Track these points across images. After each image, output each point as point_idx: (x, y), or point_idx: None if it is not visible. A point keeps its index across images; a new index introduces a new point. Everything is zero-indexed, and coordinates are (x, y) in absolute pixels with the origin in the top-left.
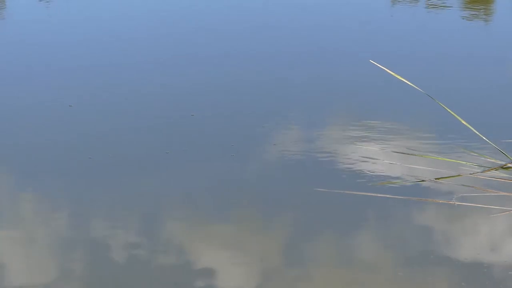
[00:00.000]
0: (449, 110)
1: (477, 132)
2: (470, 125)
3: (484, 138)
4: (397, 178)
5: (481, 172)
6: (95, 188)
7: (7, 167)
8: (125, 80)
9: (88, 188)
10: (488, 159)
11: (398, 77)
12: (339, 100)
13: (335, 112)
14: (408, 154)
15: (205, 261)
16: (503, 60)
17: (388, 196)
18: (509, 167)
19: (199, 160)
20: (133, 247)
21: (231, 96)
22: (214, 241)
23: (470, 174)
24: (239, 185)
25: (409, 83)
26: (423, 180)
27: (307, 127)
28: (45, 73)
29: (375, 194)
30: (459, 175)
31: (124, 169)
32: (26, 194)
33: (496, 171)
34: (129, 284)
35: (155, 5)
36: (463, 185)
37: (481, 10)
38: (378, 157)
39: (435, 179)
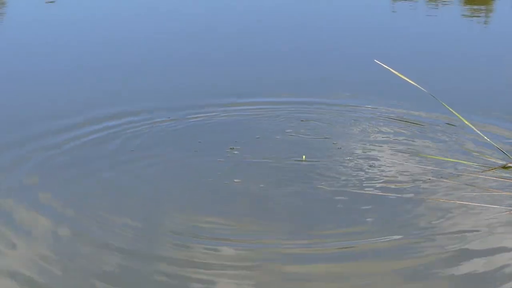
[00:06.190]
0: (450, 109)
1: (478, 132)
2: (471, 124)
3: (485, 137)
4: (398, 177)
5: (481, 172)
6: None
7: None
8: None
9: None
10: (488, 159)
11: (401, 76)
12: (339, 99)
13: (335, 111)
14: (408, 153)
15: None
16: (505, 59)
17: (388, 194)
18: (509, 167)
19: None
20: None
21: (230, 96)
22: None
23: (470, 174)
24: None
25: (411, 82)
26: (423, 179)
27: (306, 126)
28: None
29: (375, 193)
30: (459, 175)
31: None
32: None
33: (496, 171)
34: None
35: (156, 6)
36: (464, 184)
37: (482, 9)
38: (379, 156)
39: (436, 178)
